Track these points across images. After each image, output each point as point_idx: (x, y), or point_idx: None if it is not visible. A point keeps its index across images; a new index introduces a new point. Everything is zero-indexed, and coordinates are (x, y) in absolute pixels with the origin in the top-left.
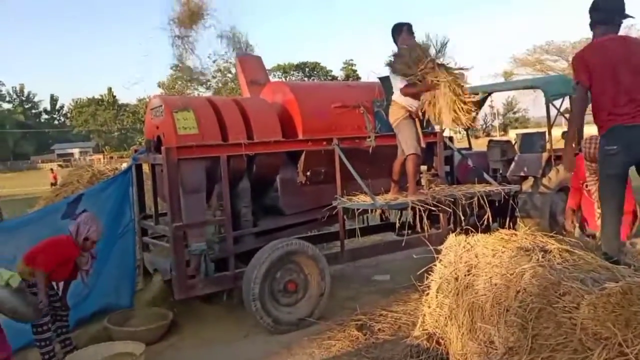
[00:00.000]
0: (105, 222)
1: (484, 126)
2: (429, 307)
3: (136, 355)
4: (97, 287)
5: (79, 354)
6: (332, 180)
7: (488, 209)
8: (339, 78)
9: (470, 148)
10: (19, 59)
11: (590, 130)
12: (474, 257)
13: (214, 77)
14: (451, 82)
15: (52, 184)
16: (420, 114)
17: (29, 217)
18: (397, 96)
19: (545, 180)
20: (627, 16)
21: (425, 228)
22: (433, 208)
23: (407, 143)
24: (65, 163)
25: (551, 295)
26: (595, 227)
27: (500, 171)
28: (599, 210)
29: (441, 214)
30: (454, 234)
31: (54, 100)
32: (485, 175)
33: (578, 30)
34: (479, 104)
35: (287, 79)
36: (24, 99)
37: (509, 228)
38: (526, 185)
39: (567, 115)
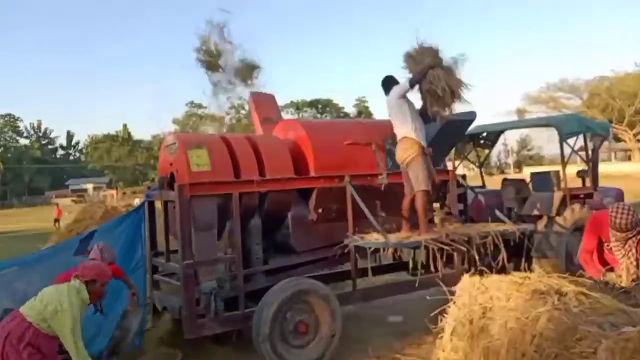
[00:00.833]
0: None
1: (498, 163)
2: (443, 350)
3: None
4: (106, 325)
5: None
6: (344, 217)
7: (503, 249)
8: (351, 115)
9: (483, 186)
10: (37, 95)
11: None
12: (488, 300)
13: (227, 114)
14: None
15: (55, 220)
16: (430, 150)
17: (41, 254)
18: (410, 132)
19: (560, 220)
20: None
21: (439, 268)
22: (447, 247)
23: (419, 179)
24: (79, 198)
25: (568, 340)
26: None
27: (515, 210)
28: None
29: (455, 254)
30: (468, 275)
31: (70, 136)
32: (499, 214)
33: (592, 67)
34: (493, 142)
35: (300, 115)
36: (41, 134)
37: (525, 269)
38: (541, 225)
39: (581, 154)
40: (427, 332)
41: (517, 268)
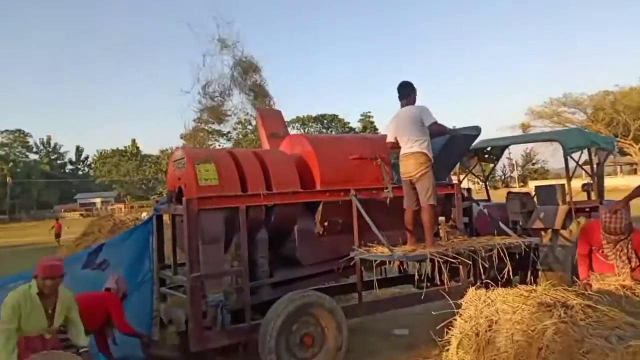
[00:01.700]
0: (125, 271)
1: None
2: None
3: None
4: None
5: None
6: (350, 230)
7: (508, 262)
8: (356, 130)
9: (489, 199)
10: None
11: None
12: (494, 312)
13: (234, 129)
14: None
15: (56, 235)
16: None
17: None
18: (424, 147)
19: (566, 233)
20: None
21: (445, 281)
22: (452, 260)
23: (428, 193)
24: (87, 212)
25: (574, 353)
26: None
27: (520, 223)
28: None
29: (461, 267)
30: (474, 288)
31: (79, 151)
32: (505, 227)
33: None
34: (497, 156)
35: (306, 130)
36: (50, 150)
37: (531, 282)
38: (546, 238)
39: (585, 168)
40: (433, 345)
41: (523, 281)
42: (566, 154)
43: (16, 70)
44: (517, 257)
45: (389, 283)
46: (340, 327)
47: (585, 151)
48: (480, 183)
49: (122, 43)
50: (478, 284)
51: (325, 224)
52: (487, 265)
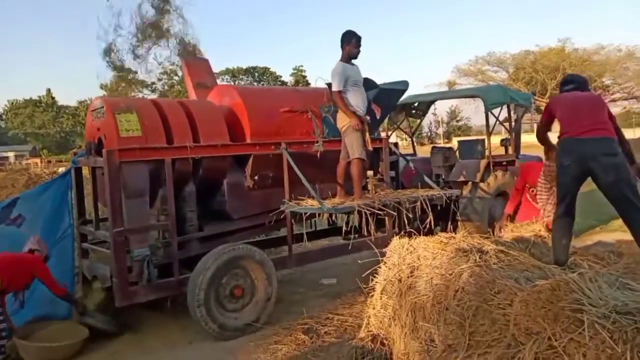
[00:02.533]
0: (42, 227)
1: (429, 133)
2: (374, 308)
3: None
4: (33, 297)
5: None
6: (280, 184)
7: (430, 213)
8: (288, 83)
9: (415, 154)
10: None
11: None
12: (416, 259)
13: (159, 80)
14: None
15: None
16: (367, 118)
17: None
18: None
19: (484, 186)
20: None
21: (372, 231)
22: (379, 212)
23: (354, 147)
24: None
25: (487, 293)
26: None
27: (443, 176)
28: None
29: (386, 218)
30: (398, 237)
31: None
32: (428, 180)
33: (517, 42)
34: (424, 112)
35: (236, 83)
36: None
37: (451, 231)
38: (466, 190)
39: (505, 124)
40: (359, 292)
41: (444, 231)
42: (487, 110)
43: None
44: (439, 208)
45: (318, 235)
46: (270, 278)
47: (505, 108)
48: (408, 138)
49: None
50: (402, 233)
51: (256, 177)
52: (411, 216)
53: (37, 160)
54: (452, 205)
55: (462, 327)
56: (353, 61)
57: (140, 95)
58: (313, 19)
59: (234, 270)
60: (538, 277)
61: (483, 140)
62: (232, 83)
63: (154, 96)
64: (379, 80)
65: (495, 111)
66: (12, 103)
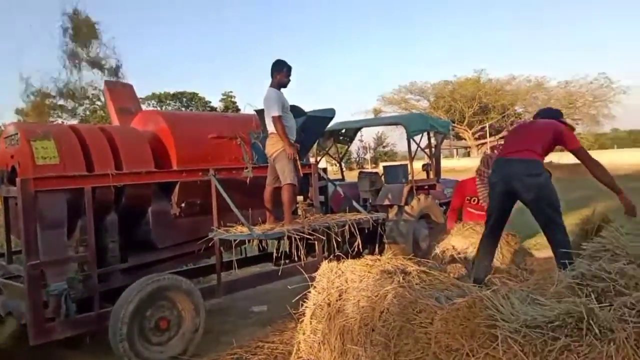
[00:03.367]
0: None
1: (357, 159)
2: (304, 334)
3: None
4: None
5: None
6: (209, 211)
7: (358, 236)
8: (218, 109)
9: (343, 179)
10: None
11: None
12: (344, 282)
13: (80, 105)
14: None
15: None
16: (298, 145)
17: None
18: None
19: (408, 209)
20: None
21: (302, 257)
22: (308, 237)
23: (285, 173)
24: None
25: (409, 313)
26: None
27: (370, 201)
28: None
29: (316, 242)
30: (327, 261)
31: None
32: (355, 204)
33: (437, 72)
34: (351, 138)
35: (163, 108)
36: None
37: (378, 253)
38: (391, 213)
39: (426, 150)
40: (290, 318)
41: (372, 253)
42: (409, 137)
43: None
44: (367, 231)
45: (249, 262)
46: (197, 308)
47: (426, 135)
48: (337, 164)
49: None
50: (331, 257)
51: (183, 205)
52: (339, 240)
53: None
54: (379, 229)
55: (387, 347)
56: (282, 90)
57: (60, 120)
58: (243, 45)
59: (159, 302)
60: (457, 296)
61: (406, 165)
62: (159, 108)
63: (74, 122)
64: (306, 108)
65: (418, 138)
66: None
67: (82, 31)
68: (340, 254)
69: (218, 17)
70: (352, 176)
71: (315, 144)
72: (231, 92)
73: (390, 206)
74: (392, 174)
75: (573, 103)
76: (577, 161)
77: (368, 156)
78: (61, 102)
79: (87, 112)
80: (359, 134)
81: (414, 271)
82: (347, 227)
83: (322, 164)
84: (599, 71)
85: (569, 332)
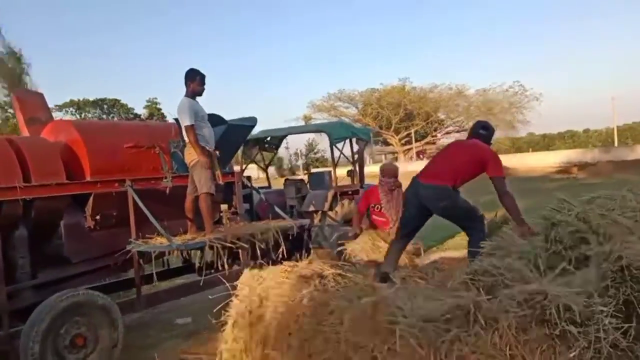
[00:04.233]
0: None
1: (289, 166)
2: (226, 342)
3: None
4: None
5: None
6: (127, 223)
7: (282, 243)
8: (142, 116)
9: (269, 187)
10: None
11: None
12: (265, 289)
13: None
14: None
15: None
16: (217, 153)
17: None
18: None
19: (332, 214)
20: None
21: (225, 266)
22: (231, 245)
23: (201, 182)
24: None
25: (321, 314)
26: None
27: (296, 207)
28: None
29: (240, 251)
30: (248, 269)
31: None
32: (279, 211)
33: (365, 81)
34: (277, 146)
35: (83, 115)
36: None
37: (304, 259)
38: (316, 219)
39: (348, 156)
40: (215, 329)
41: (299, 259)
42: (332, 143)
43: None
44: (293, 238)
45: (173, 274)
46: (115, 324)
47: (348, 142)
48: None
49: None
50: (252, 265)
51: (98, 217)
52: (263, 248)
53: None
54: (305, 234)
55: (302, 349)
56: (197, 98)
57: None
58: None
59: (74, 319)
60: (366, 296)
61: (330, 171)
62: (78, 116)
63: None
64: (228, 117)
65: (340, 145)
66: None
67: None
68: (262, 262)
69: (145, 22)
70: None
71: (241, 152)
72: (156, 98)
73: (315, 212)
74: (317, 181)
75: (491, 109)
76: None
77: (300, 163)
78: None
79: None
80: (284, 141)
81: (330, 275)
82: (270, 234)
83: (253, 171)
84: (514, 79)
85: (458, 324)
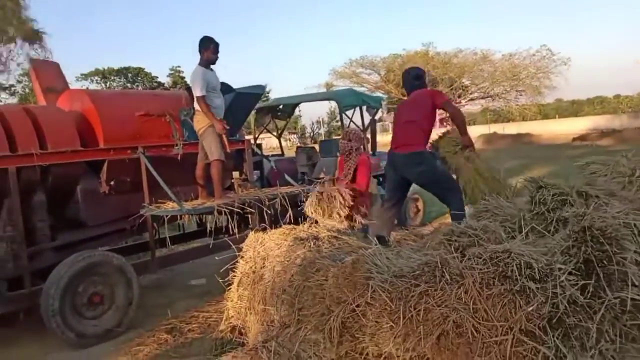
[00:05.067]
0: None
1: (312, 134)
2: (232, 301)
3: None
4: None
5: None
6: (140, 189)
7: (290, 208)
8: (166, 84)
9: (282, 154)
10: None
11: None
12: (266, 251)
13: (19, 82)
14: None
15: None
16: (224, 122)
17: None
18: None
19: None
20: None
21: (235, 230)
22: (238, 210)
23: (212, 149)
24: None
25: (308, 272)
26: None
27: (307, 174)
28: None
29: (250, 216)
30: (252, 232)
31: None
32: (288, 178)
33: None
34: (289, 114)
35: (107, 84)
36: None
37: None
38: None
39: (358, 123)
40: (225, 289)
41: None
42: (341, 111)
43: None
44: (300, 203)
45: (188, 238)
46: (130, 283)
47: (358, 109)
48: (292, 139)
49: None
50: (257, 228)
51: (112, 182)
52: (271, 213)
53: None
54: None
55: (292, 304)
56: (212, 67)
57: None
58: (190, 19)
59: (91, 278)
60: (350, 255)
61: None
62: (103, 85)
63: (13, 100)
64: (235, 85)
65: (350, 112)
66: None
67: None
68: (265, 225)
69: None
70: None
71: (253, 120)
72: (179, 67)
73: None
74: (327, 148)
75: (517, 75)
76: (518, 132)
77: (322, 130)
78: None
79: (27, 90)
80: (297, 109)
81: (325, 237)
82: (277, 199)
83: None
84: (541, 43)
85: (427, 279)
